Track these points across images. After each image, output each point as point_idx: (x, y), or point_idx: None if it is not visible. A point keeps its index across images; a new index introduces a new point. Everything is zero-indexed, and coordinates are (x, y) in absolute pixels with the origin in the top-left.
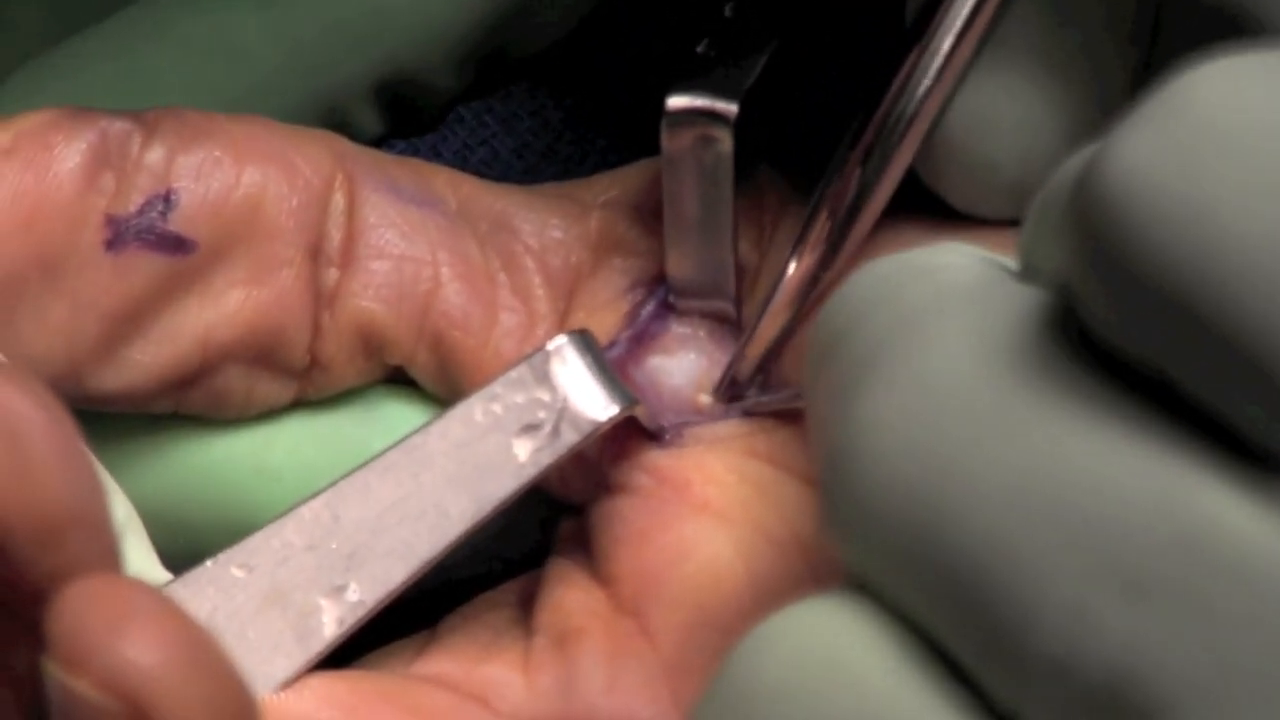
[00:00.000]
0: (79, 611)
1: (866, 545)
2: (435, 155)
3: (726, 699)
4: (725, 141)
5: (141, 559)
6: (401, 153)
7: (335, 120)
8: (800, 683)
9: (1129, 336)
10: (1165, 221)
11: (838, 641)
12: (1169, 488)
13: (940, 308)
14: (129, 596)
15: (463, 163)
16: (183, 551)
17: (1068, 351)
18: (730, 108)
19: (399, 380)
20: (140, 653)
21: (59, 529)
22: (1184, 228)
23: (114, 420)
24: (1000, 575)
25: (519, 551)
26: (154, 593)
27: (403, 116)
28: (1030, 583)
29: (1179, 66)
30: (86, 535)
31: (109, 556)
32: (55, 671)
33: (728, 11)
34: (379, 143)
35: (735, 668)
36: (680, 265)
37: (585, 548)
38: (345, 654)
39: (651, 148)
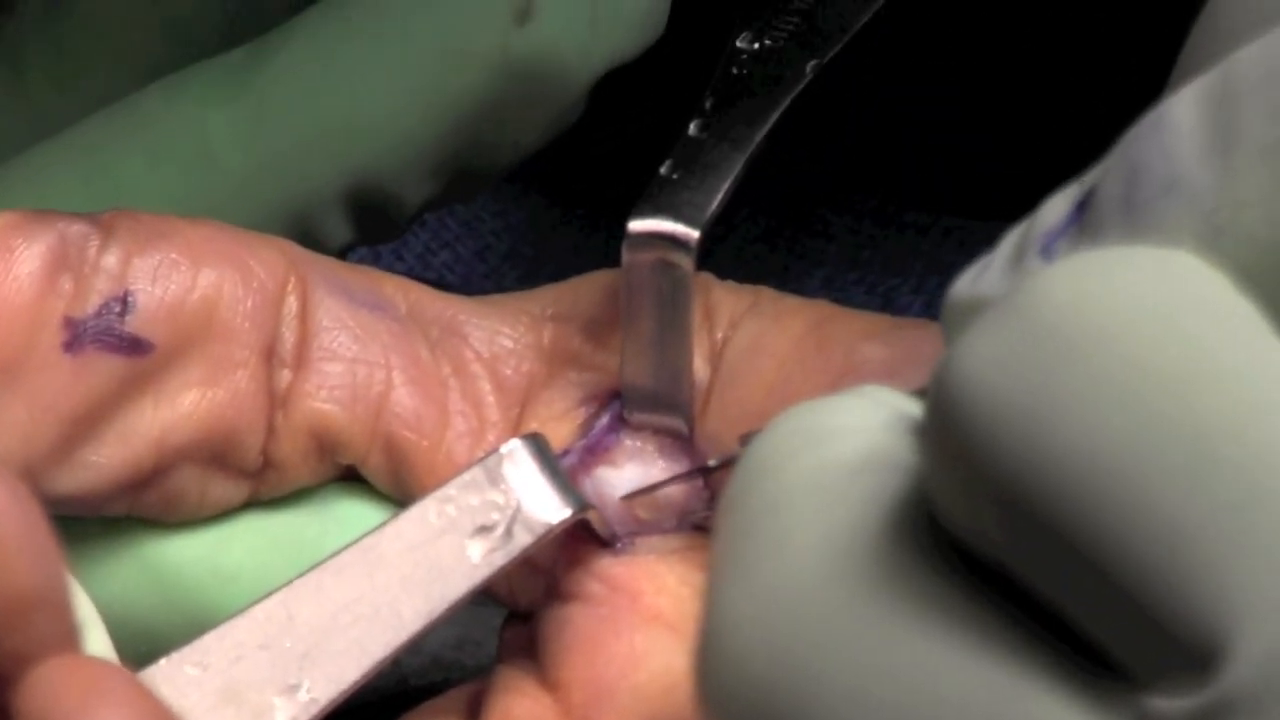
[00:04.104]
0: (51, 691)
1: None
2: (397, 259)
3: None
4: (686, 266)
5: (101, 656)
6: (363, 258)
7: (303, 228)
8: None
9: (975, 535)
10: (1005, 427)
11: None
12: (1005, 698)
13: (807, 497)
14: (100, 676)
15: (425, 266)
16: (141, 653)
17: (922, 544)
18: (692, 233)
19: (352, 478)
20: None
21: (25, 610)
22: (1023, 435)
23: (70, 523)
24: None
25: (476, 661)
26: (123, 673)
27: (371, 225)
28: None
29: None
30: (51, 617)
31: (72, 638)
32: None
33: (693, 130)
34: (345, 249)
35: None
36: (636, 380)
37: (532, 654)
38: None
39: (613, 255)
